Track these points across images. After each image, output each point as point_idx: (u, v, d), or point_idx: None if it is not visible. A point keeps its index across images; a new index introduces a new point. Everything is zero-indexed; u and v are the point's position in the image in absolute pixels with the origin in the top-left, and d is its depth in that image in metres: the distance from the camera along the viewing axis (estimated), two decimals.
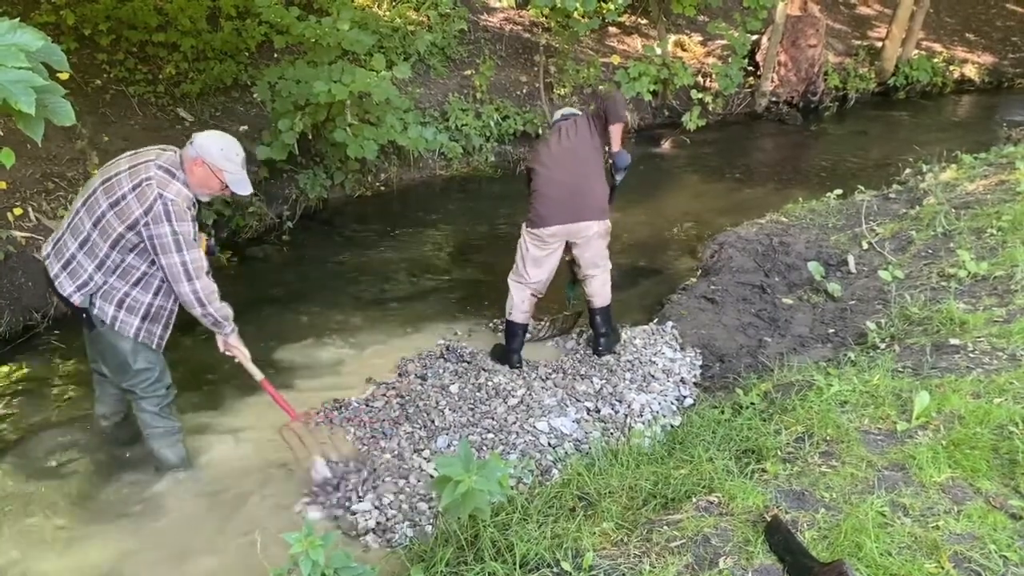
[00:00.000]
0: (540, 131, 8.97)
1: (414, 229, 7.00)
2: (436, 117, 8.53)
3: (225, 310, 3.41)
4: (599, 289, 4.63)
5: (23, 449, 4.02)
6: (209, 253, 3.46)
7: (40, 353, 4.92)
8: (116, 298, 3.27)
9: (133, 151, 3.31)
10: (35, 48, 2.01)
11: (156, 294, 3.34)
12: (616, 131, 4.35)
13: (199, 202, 3.34)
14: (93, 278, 3.23)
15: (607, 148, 4.42)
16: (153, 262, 3.24)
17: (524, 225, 4.52)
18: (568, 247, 4.56)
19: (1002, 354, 3.68)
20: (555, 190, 4.35)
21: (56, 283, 3.28)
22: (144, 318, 3.34)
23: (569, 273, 4.96)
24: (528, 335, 4.86)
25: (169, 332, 3.47)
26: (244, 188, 3.36)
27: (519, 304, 4.62)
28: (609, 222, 4.52)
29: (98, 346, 3.44)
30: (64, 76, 2.27)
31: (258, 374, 3.68)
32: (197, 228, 3.28)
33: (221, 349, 3.58)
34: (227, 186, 3.32)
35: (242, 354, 3.60)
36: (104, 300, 3.26)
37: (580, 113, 4.63)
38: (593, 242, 4.47)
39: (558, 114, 4.68)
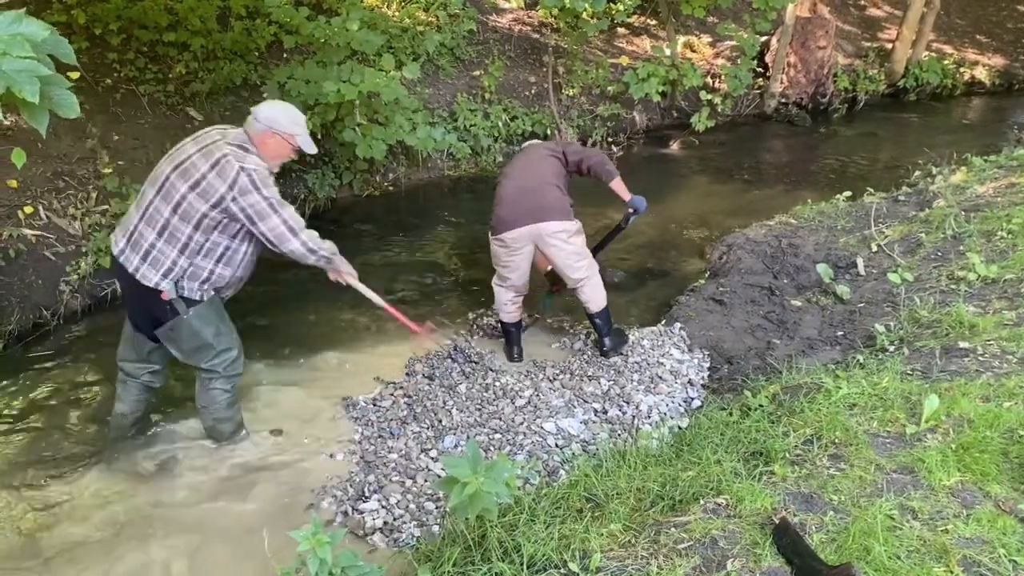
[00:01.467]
0: (548, 132, 8.97)
1: (422, 229, 7.00)
2: (445, 117, 8.53)
3: (331, 247, 3.60)
4: (591, 295, 4.62)
5: (29, 447, 4.04)
6: None
7: (49, 351, 4.94)
8: (202, 277, 3.41)
9: (193, 136, 3.42)
10: (40, 38, 2.02)
11: (238, 267, 3.51)
12: (616, 185, 4.63)
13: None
14: (177, 263, 3.33)
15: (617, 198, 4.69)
16: (236, 235, 3.38)
17: (489, 233, 4.64)
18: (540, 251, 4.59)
19: (1012, 358, 3.67)
20: (512, 194, 4.50)
21: (138, 276, 3.34)
22: (220, 289, 3.53)
23: (549, 283, 5.05)
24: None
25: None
26: (312, 147, 3.51)
27: (503, 305, 4.75)
28: (577, 223, 4.52)
29: (176, 334, 3.51)
30: (75, 75, 2.28)
31: (377, 299, 3.95)
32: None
33: (333, 280, 3.83)
34: (299, 149, 3.47)
35: (353, 278, 3.83)
36: (191, 280, 3.39)
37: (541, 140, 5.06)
38: (560, 243, 4.44)
39: (525, 144, 5.02)
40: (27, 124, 2.16)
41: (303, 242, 3.42)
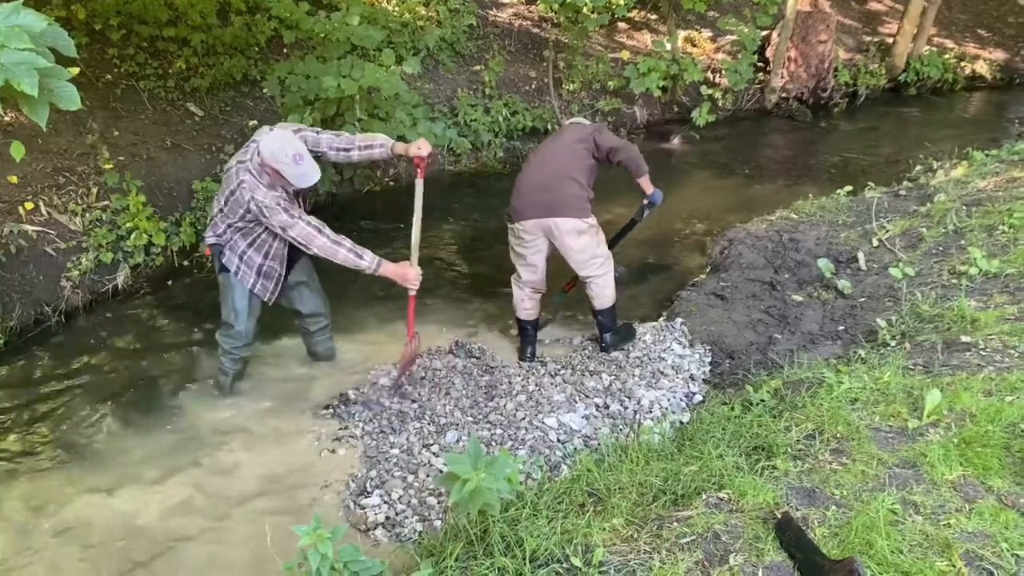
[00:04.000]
0: (549, 127, 8.95)
1: (423, 224, 6.98)
2: (445, 112, 8.53)
3: (353, 259, 3.82)
4: (598, 292, 4.58)
5: (29, 442, 4.04)
6: None
7: (51, 346, 4.94)
8: (238, 252, 3.95)
9: (246, 144, 3.81)
10: (38, 30, 2.00)
11: (266, 257, 4.00)
12: (644, 181, 4.63)
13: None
14: (226, 233, 3.90)
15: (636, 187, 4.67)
16: (266, 229, 3.86)
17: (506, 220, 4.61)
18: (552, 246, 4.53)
19: (1014, 352, 3.66)
20: (527, 186, 4.44)
21: (206, 232, 4.03)
22: (258, 274, 4.03)
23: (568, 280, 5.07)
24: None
25: (279, 288, 4.17)
26: (303, 182, 3.73)
27: (519, 302, 4.71)
28: (591, 220, 4.44)
29: (220, 287, 4.14)
30: (75, 71, 2.26)
31: (412, 295, 4.19)
32: (297, 207, 3.83)
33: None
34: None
35: (401, 281, 4.03)
36: (231, 252, 3.96)
37: (586, 123, 4.76)
38: (571, 240, 4.39)
39: (567, 122, 4.84)
40: (27, 119, 2.15)
41: (315, 252, 3.81)
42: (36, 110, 2.07)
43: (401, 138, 7.23)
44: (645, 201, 4.74)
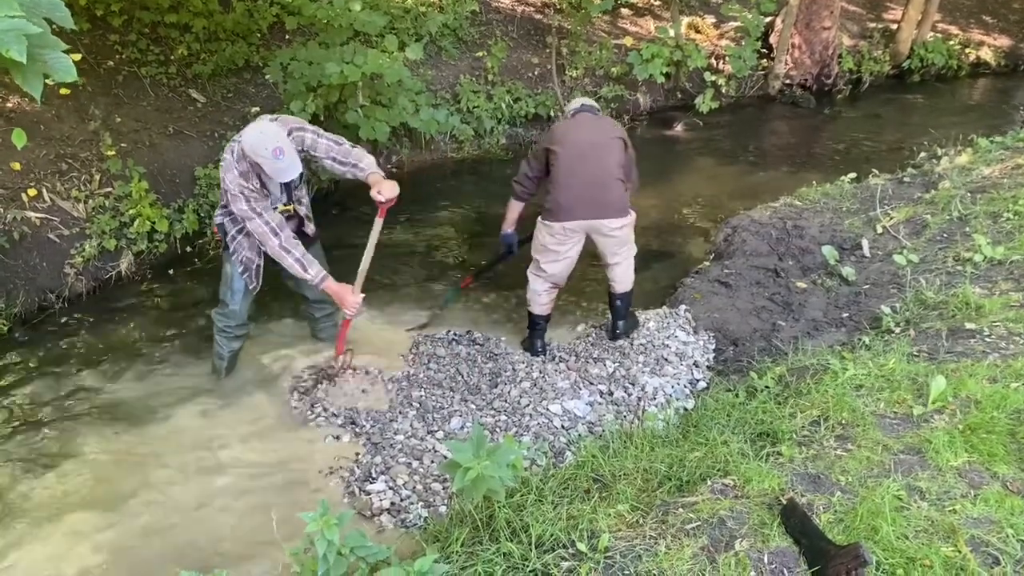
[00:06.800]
0: (552, 113, 8.92)
1: (425, 212, 6.98)
2: (448, 99, 8.49)
3: (299, 268, 3.87)
4: (622, 275, 4.52)
5: (32, 431, 4.05)
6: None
7: (54, 333, 4.94)
8: (230, 234, 4.01)
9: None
10: None
11: (250, 248, 4.02)
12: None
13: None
14: (224, 218, 3.99)
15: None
16: None
17: (540, 217, 4.36)
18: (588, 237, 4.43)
19: (1019, 339, 3.66)
20: (578, 183, 4.18)
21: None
22: (241, 262, 4.05)
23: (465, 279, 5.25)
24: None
25: (260, 282, 4.15)
26: (281, 176, 3.69)
27: (536, 296, 4.55)
28: (633, 215, 4.39)
29: (222, 265, 4.19)
30: (77, 57, 2.23)
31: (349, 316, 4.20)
32: (265, 204, 3.80)
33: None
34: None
35: (339, 302, 4.08)
36: (229, 232, 4.01)
37: (598, 108, 4.63)
38: (614, 236, 4.33)
39: (577, 103, 4.56)
40: (30, 105, 2.13)
41: (269, 250, 3.85)
42: (28, 80, 2.00)
43: (404, 124, 7.23)
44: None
